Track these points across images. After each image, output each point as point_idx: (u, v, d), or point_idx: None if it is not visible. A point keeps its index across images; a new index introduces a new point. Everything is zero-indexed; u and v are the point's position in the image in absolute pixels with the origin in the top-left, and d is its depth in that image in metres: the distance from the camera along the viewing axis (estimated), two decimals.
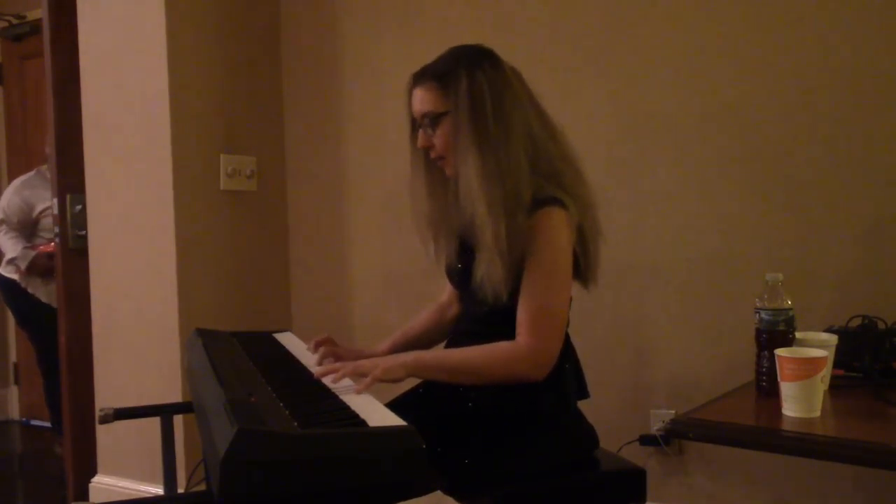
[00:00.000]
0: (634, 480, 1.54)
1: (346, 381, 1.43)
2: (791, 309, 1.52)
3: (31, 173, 3.58)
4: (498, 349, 1.46)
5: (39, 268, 3.43)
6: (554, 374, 1.48)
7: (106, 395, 2.71)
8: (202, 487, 2.05)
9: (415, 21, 2.63)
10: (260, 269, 2.85)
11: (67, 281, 2.83)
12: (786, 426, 1.35)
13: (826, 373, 1.43)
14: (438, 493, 1.47)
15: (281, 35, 2.92)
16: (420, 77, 1.55)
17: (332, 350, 1.71)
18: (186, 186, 2.56)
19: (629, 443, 2.28)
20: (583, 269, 1.55)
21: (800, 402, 1.36)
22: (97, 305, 2.73)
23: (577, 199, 1.50)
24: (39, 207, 3.46)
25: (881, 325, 1.69)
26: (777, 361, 1.40)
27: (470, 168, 1.46)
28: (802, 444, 1.30)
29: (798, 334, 1.52)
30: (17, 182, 3.56)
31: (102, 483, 2.77)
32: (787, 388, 1.38)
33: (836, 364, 1.55)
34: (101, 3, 2.64)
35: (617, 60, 2.31)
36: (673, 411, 2.24)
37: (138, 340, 2.63)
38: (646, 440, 2.28)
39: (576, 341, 1.61)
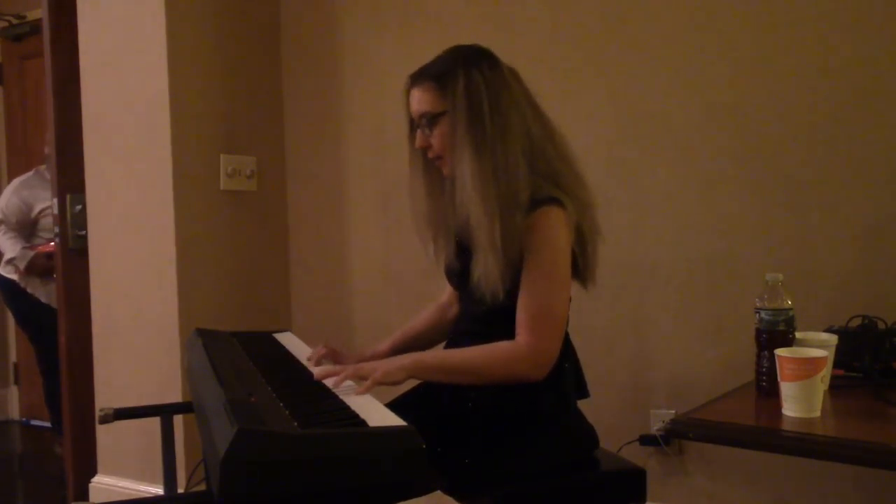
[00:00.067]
0: (634, 480, 1.54)
1: (347, 382, 1.44)
2: (791, 309, 1.52)
3: (30, 173, 3.58)
4: (497, 349, 1.46)
5: (38, 268, 3.43)
6: (554, 374, 1.48)
7: (106, 395, 2.71)
8: (202, 487, 2.05)
9: (415, 21, 2.63)
10: (260, 269, 2.85)
11: (67, 281, 2.83)
12: (786, 426, 1.35)
13: (826, 373, 1.43)
14: (438, 493, 1.47)
15: (281, 35, 2.92)
16: (418, 77, 1.55)
17: (332, 350, 1.71)
18: (186, 186, 2.56)
19: (629, 443, 2.28)
20: (581, 268, 1.55)
21: (800, 402, 1.36)
22: (97, 305, 2.73)
23: (575, 198, 1.50)
24: (38, 207, 3.46)
25: (881, 325, 1.69)
26: (777, 361, 1.40)
27: (466, 168, 1.46)
28: (802, 444, 1.30)
29: (798, 334, 1.52)
30: (15, 182, 3.57)
31: (102, 483, 2.77)
32: (787, 388, 1.38)
33: (836, 364, 1.55)
34: (101, 3, 2.65)
35: (617, 60, 2.31)
36: (673, 411, 2.24)
37: (138, 340, 2.63)
38: (646, 440, 2.28)
39: (576, 341, 1.61)
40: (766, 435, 1.38)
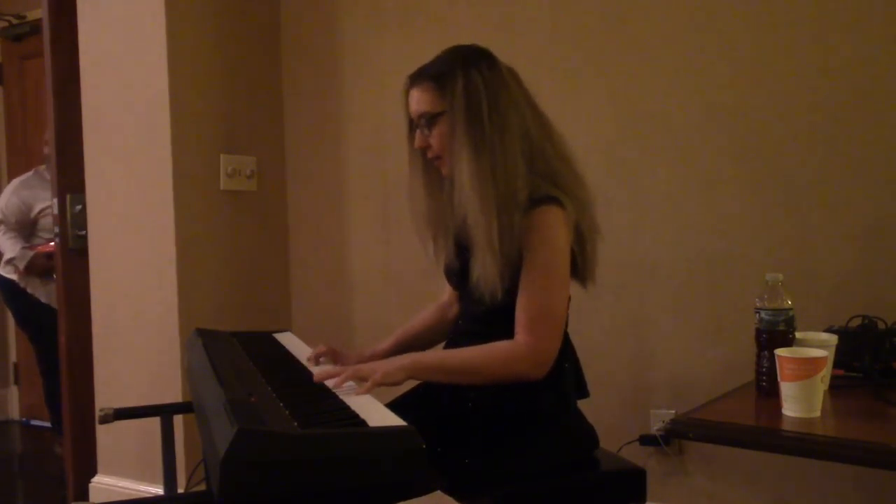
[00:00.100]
0: (634, 480, 1.54)
1: (347, 382, 1.43)
2: (791, 309, 1.52)
3: (29, 174, 3.59)
4: (497, 349, 1.46)
5: (38, 268, 3.43)
6: (553, 374, 1.48)
7: (106, 395, 2.71)
8: (202, 487, 2.05)
9: (415, 21, 2.63)
10: (260, 269, 2.85)
11: (67, 281, 2.83)
12: (786, 426, 1.35)
13: (826, 373, 1.43)
14: (438, 493, 1.47)
15: (281, 35, 2.92)
16: (417, 77, 1.55)
17: (332, 350, 1.71)
18: (186, 186, 2.56)
19: (629, 443, 2.28)
20: (580, 267, 1.55)
21: (800, 402, 1.36)
22: (97, 305, 2.73)
23: (574, 198, 1.50)
24: (38, 208, 3.46)
25: (881, 325, 1.69)
26: (777, 361, 1.40)
27: (464, 168, 1.46)
28: (802, 444, 1.30)
29: (798, 334, 1.52)
30: (15, 182, 3.57)
31: (102, 483, 2.77)
32: (787, 388, 1.38)
33: (836, 364, 1.55)
34: (101, 3, 2.65)
35: (617, 60, 2.31)
36: (673, 411, 2.24)
37: (138, 340, 2.63)
38: (646, 440, 2.28)
39: (576, 341, 1.61)
40: (766, 435, 1.38)
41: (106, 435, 2.73)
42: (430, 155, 1.56)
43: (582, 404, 1.61)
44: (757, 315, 1.53)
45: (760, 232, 2.15)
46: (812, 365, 1.36)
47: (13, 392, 4.38)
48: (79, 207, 2.80)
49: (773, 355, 1.44)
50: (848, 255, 2.05)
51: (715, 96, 2.19)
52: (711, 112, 2.19)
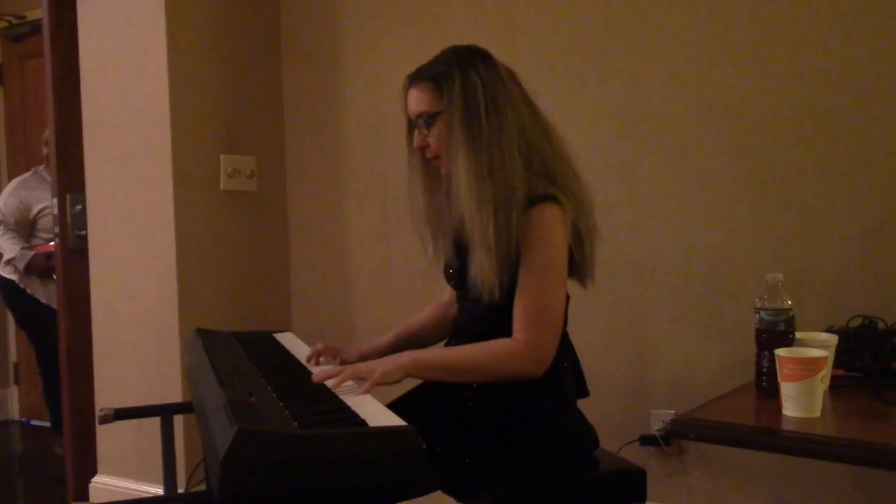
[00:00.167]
0: (634, 480, 1.54)
1: (347, 382, 1.43)
2: (791, 309, 1.52)
3: (29, 174, 3.59)
4: (495, 347, 1.46)
5: (37, 268, 3.43)
6: (553, 373, 1.48)
7: (106, 395, 2.71)
8: (202, 487, 2.05)
9: (415, 21, 2.63)
10: (260, 269, 2.85)
11: (67, 281, 2.83)
12: (786, 426, 1.35)
13: (826, 373, 1.43)
14: (438, 493, 1.47)
15: (281, 35, 2.92)
16: (415, 77, 1.55)
17: (330, 347, 1.71)
18: (186, 186, 2.56)
19: (629, 443, 2.28)
20: (579, 266, 1.55)
21: (800, 402, 1.36)
22: (97, 305, 2.73)
23: (572, 196, 1.50)
24: (37, 208, 3.46)
25: (881, 325, 1.69)
26: (777, 361, 1.40)
27: (461, 167, 1.46)
28: (802, 444, 1.30)
29: (798, 334, 1.52)
30: (14, 182, 3.58)
31: (102, 483, 2.77)
32: (787, 388, 1.38)
33: (836, 364, 1.55)
34: (101, 3, 2.65)
35: (617, 60, 2.31)
36: (673, 411, 2.24)
37: (138, 340, 2.63)
38: (646, 440, 2.28)
39: (575, 341, 1.61)
40: (766, 435, 1.38)
41: (106, 435, 2.73)
42: (428, 155, 1.56)
43: (582, 404, 1.61)
44: (757, 315, 1.53)
45: (760, 232, 2.15)
46: (812, 365, 1.36)
47: (13, 392, 4.38)
48: (79, 207, 2.80)
49: (773, 355, 1.44)
50: (848, 255, 2.05)
51: (714, 96, 2.19)
52: (711, 112, 2.19)
